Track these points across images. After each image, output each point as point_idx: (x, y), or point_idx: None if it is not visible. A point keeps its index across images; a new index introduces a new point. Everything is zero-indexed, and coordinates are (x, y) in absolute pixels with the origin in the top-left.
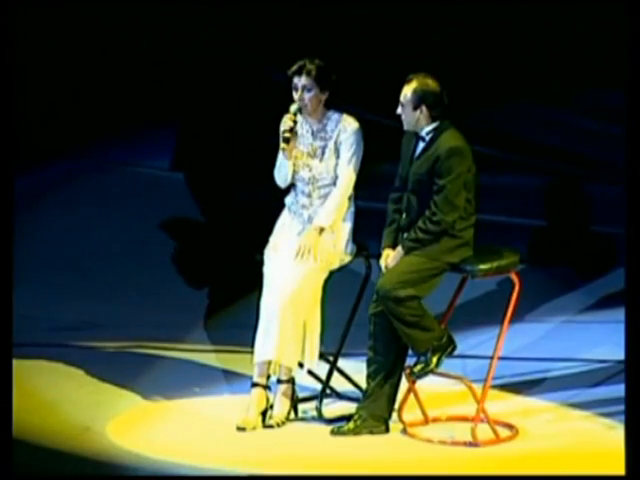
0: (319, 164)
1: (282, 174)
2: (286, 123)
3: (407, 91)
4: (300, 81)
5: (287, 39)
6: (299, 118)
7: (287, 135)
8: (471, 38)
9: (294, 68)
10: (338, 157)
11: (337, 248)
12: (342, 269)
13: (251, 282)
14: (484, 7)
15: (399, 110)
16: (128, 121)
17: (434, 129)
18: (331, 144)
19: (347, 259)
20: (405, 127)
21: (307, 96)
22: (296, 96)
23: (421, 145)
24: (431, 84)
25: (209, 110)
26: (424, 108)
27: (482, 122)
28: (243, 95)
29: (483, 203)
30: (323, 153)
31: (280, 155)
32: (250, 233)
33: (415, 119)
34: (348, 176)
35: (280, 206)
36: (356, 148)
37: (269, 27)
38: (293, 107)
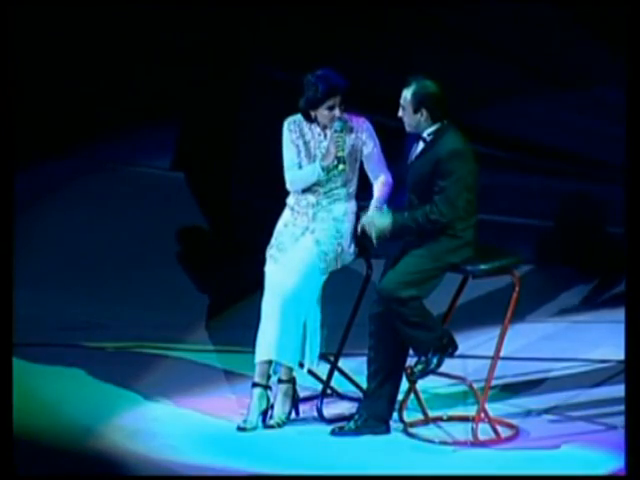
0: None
1: (307, 184)
2: (338, 143)
3: (407, 94)
4: (337, 99)
5: (287, 38)
6: (308, 123)
7: (342, 155)
8: (471, 38)
9: (327, 88)
10: (356, 157)
11: (340, 249)
12: (343, 269)
13: (252, 282)
14: (485, 7)
15: (400, 113)
16: (128, 121)
17: (435, 131)
18: (347, 145)
19: (349, 259)
20: (407, 129)
21: (343, 108)
22: (332, 114)
23: (422, 146)
24: (430, 86)
25: (209, 110)
26: (424, 110)
27: (482, 122)
28: (243, 95)
29: (483, 203)
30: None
31: (317, 169)
32: (251, 233)
33: (416, 121)
34: (385, 163)
35: (281, 206)
36: (377, 140)
37: (270, 27)
38: (338, 124)
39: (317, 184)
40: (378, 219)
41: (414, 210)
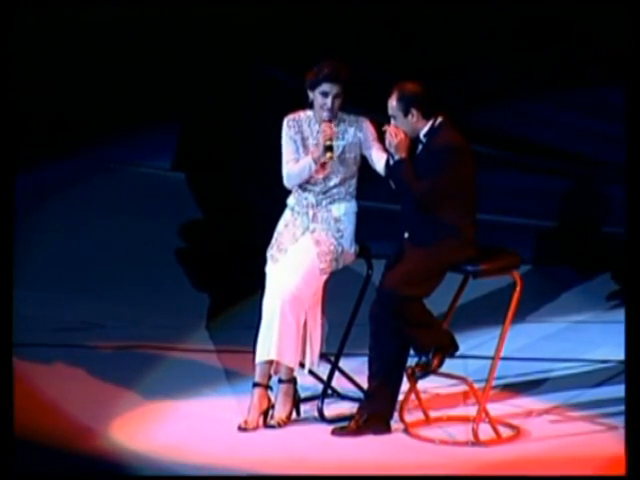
0: (335, 163)
1: (302, 179)
2: (327, 132)
3: (392, 102)
4: (333, 88)
5: (288, 38)
6: (307, 120)
7: (330, 144)
8: (471, 37)
9: (327, 73)
10: (355, 155)
11: (341, 249)
12: (344, 269)
13: (253, 282)
14: (485, 6)
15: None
16: (128, 121)
17: (430, 128)
18: (345, 143)
19: (350, 259)
20: None
21: (337, 102)
22: (323, 101)
23: (420, 147)
24: (411, 87)
25: (209, 110)
26: (414, 111)
27: (482, 122)
28: (244, 94)
29: (483, 203)
30: (341, 152)
31: (309, 162)
32: (252, 233)
33: (410, 125)
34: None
35: (281, 206)
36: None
37: (270, 27)
38: (327, 115)
39: (318, 183)
40: (402, 139)
41: (416, 176)
